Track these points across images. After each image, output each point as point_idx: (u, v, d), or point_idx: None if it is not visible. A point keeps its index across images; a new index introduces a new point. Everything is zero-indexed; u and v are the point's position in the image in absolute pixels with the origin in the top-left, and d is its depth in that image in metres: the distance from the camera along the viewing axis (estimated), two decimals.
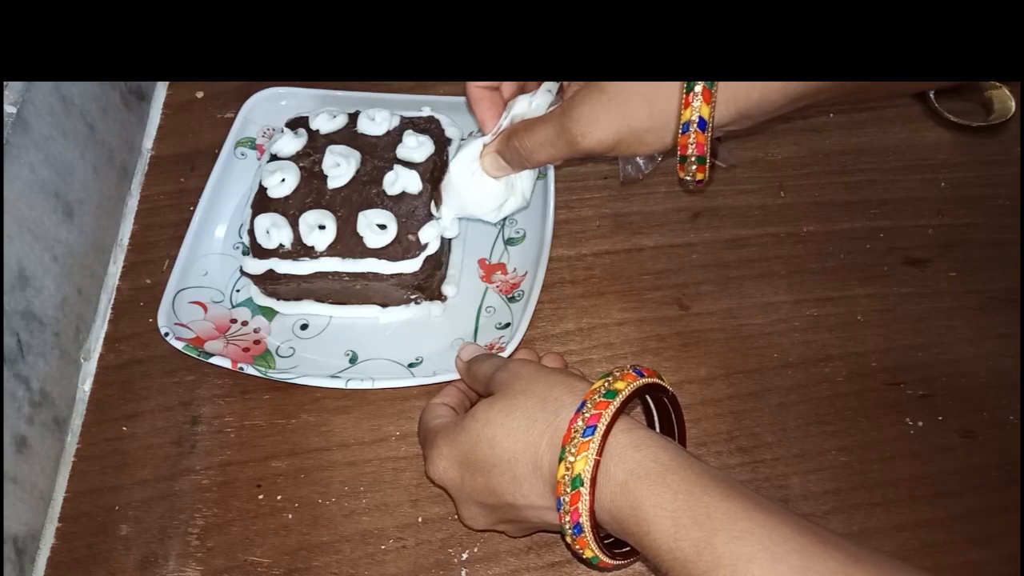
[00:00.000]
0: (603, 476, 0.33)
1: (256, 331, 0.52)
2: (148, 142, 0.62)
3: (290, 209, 0.50)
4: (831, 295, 0.53)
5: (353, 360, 0.50)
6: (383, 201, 0.50)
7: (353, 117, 0.54)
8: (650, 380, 0.36)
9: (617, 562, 0.36)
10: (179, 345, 0.48)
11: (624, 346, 0.51)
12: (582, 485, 0.33)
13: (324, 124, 0.53)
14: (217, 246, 0.55)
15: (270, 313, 0.53)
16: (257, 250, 0.49)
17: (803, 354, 0.51)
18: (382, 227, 0.49)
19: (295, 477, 0.47)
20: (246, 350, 0.50)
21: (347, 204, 0.50)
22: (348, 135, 0.53)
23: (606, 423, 0.34)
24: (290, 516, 0.46)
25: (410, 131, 0.52)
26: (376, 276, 0.49)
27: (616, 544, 0.36)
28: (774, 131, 0.60)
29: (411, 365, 0.49)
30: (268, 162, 0.52)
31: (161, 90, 0.64)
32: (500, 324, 0.50)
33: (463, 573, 0.44)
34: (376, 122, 0.53)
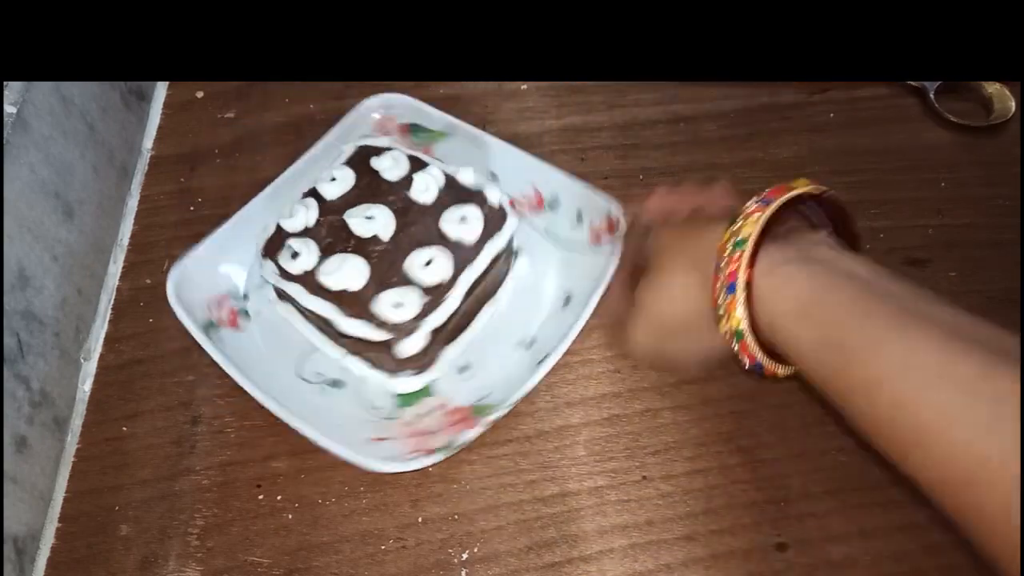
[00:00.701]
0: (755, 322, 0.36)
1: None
2: (148, 142, 0.62)
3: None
4: None
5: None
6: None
7: (416, 168, 0.51)
8: (776, 205, 0.37)
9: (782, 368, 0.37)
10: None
11: None
12: (744, 336, 0.36)
13: (384, 167, 0.51)
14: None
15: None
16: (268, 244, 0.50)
17: None
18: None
19: (295, 477, 0.47)
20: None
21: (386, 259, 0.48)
22: (397, 188, 0.51)
23: (742, 277, 0.35)
24: (290, 516, 0.46)
25: (459, 205, 0.49)
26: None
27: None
28: (774, 131, 0.60)
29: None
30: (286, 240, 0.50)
31: (161, 90, 0.64)
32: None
33: (463, 573, 0.44)
34: (423, 191, 0.50)
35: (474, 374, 0.50)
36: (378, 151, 0.52)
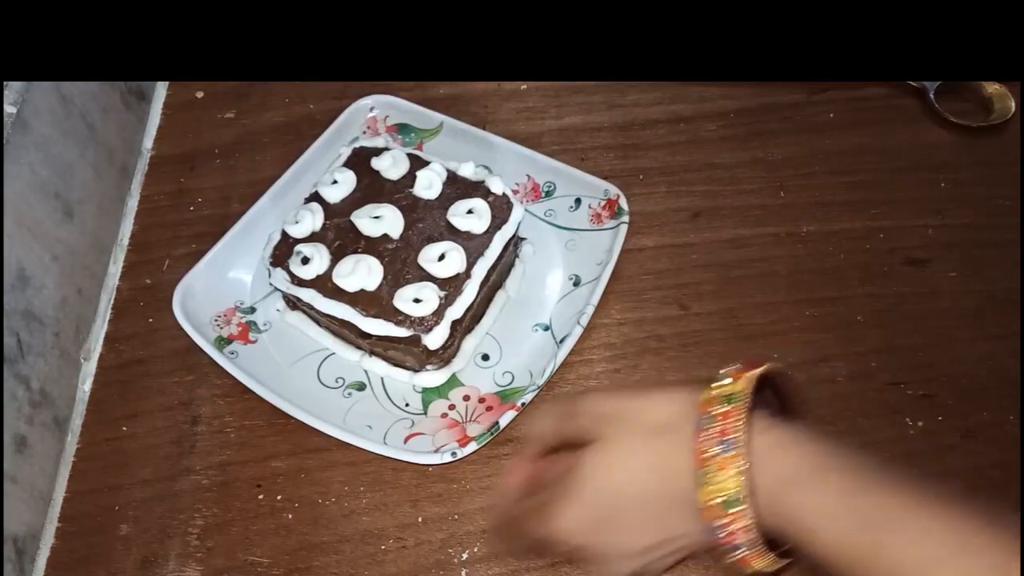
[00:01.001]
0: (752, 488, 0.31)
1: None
2: (148, 142, 0.62)
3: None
4: (831, 295, 0.53)
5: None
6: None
7: (416, 167, 0.52)
8: (766, 368, 0.33)
9: (787, 560, 0.32)
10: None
11: (625, 346, 0.51)
12: (739, 504, 0.30)
13: (384, 167, 0.52)
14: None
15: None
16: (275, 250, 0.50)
17: (803, 354, 0.51)
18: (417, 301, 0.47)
19: (295, 477, 0.47)
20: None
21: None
22: (401, 187, 0.51)
23: (744, 431, 0.31)
24: (290, 516, 0.46)
25: (466, 200, 0.50)
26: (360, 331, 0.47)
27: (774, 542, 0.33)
28: (774, 131, 0.60)
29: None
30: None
31: (161, 90, 0.64)
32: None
33: (463, 573, 0.44)
34: (426, 188, 0.51)
35: (496, 361, 0.51)
36: (376, 152, 0.53)
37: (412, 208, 0.50)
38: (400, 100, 0.59)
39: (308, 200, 0.51)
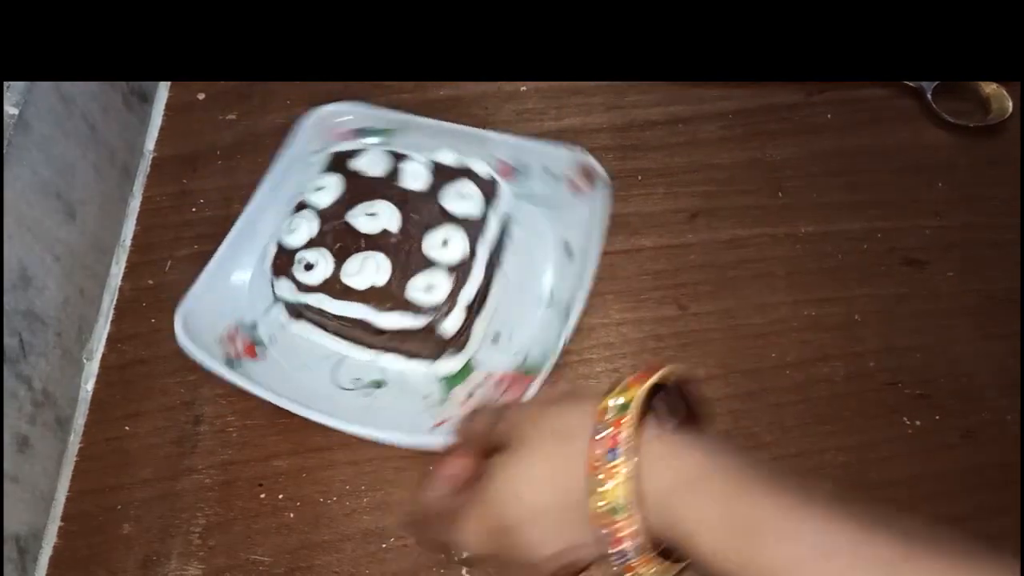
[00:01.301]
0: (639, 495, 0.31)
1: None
2: (150, 143, 0.62)
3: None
4: (829, 295, 0.53)
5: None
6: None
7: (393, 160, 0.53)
8: (659, 376, 0.34)
9: (681, 566, 0.32)
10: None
11: (623, 346, 0.51)
12: (625, 512, 0.30)
13: (365, 166, 0.52)
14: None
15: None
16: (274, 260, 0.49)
17: (801, 354, 0.51)
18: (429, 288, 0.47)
19: (297, 476, 0.47)
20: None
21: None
22: (388, 183, 0.52)
23: (633, 439, 0.31)
24: (292, 515, 0.46)
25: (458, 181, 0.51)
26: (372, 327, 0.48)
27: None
28: (772, 132, 0.60)
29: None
30: (294, 212, 0.51)
31: (163, 91, 0.64)
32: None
33: (464, 571, 0.45)
34: (416, 175, 0.51)
35: (508, 339, 0.51)
36: (351, 153, 0.53)
37: (404, 201, 0.50)
38: (354, 104, 0.58)
39: (298, 209, 0.51)
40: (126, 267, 0.56)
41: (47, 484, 0.48)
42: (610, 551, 0.31)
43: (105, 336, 0.53)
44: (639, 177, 0.58)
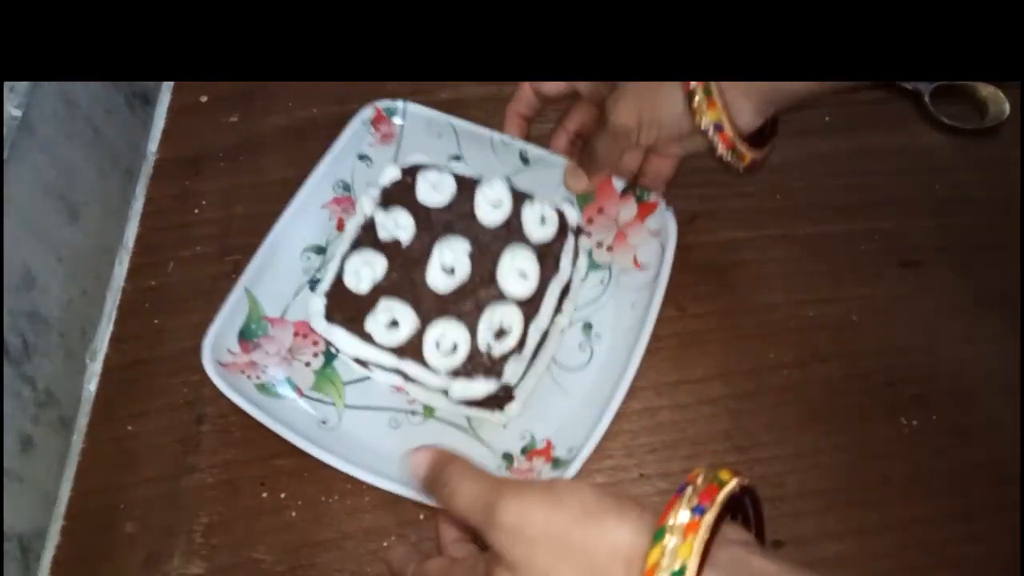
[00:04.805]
0: None
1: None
2: (152, 145, 0.62)
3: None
4: (827, 296, 0.53)
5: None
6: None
7: (463, 188, 0.50)
8: (715, 508, 0.27)
9: None
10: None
11: None
12: None
13: (429, 196, 0.50)
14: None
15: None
16: (333, 302, 0.47)
17: (799, 354, 0.51)
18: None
19: (298, 475, 0.48)
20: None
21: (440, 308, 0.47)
22: (460, 218, 0.49)
23: None
24: (294, 513, 0.47)
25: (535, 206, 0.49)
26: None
27: None
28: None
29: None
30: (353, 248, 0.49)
31: (165, 94, 0.65)
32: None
33: None
34: (495, 207, 0.49)
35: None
36: (412, 177, 0.51)
37: (475, 237, 0.48)
38: (420, 106, 0.58)
39: (360, 244, 0.48)
40: (129, 268, 0.56)
41: (50, 483, 0.48)
42: None
43: (108, 336, 0.53)
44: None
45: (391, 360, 0.46)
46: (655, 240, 0.52)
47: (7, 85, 0.45)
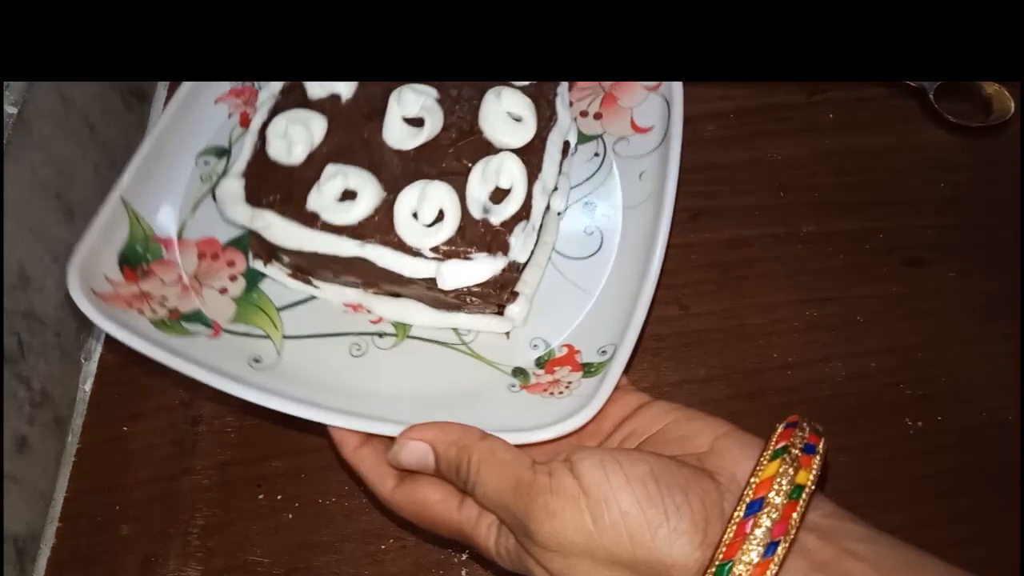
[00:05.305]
0: None
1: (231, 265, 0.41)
2: None
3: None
4: (831, 295, 0.53)
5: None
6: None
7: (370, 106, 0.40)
8: (789, 534, 0.27)
9: None
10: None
11: None
12: None
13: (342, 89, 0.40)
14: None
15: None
16: (257, 181, 0.36)
17: (803, 354, 0.51)
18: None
19: (295, 476, 0.47)
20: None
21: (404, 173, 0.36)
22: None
23: None
24: (290, 516, 0.46)
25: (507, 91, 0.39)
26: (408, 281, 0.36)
27: None
28: (774, 132, 0.60)
29: None
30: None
31: (161, 91, 0.64)
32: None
33: (463, 572, 0.44)
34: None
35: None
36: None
37: (441, 87, 0.39)
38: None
39: (282, 109, 0.38)
40: None
41: (46, 484, 0.47)
42: None
43: (103, 336, 0.53)
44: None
45: (349, 247, 0.35)
46: (656, 96, 0.44)
47: (3, 83, 0.45)
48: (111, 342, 0.53)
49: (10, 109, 0.46)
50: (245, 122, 0.44)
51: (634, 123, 0.45)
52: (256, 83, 0.45)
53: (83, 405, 0.51)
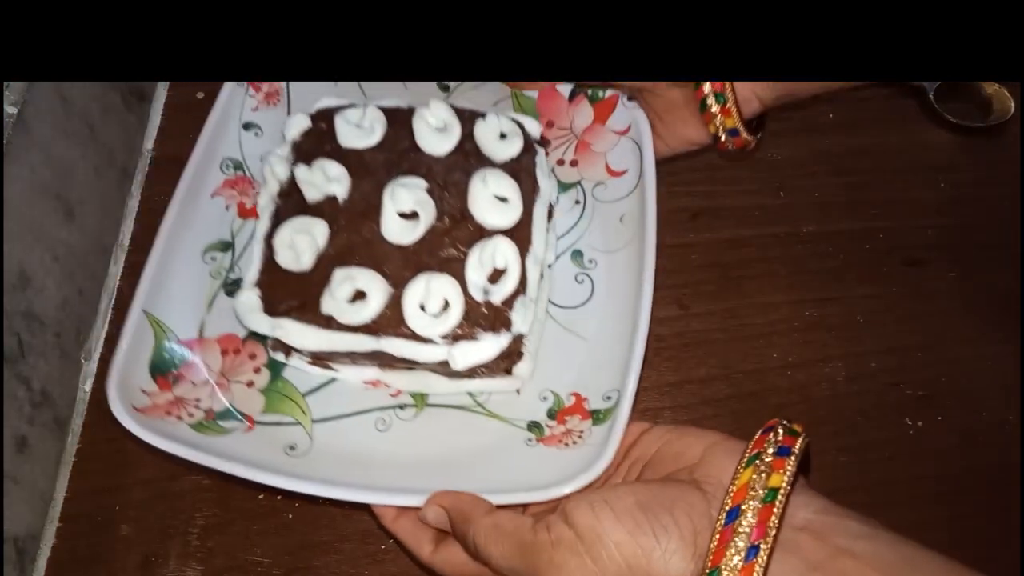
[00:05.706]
0: None
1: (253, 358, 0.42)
2: (149, 143, 0.62)
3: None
4: (831, 295, 0.53)
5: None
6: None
7: (395, 121, 0.42)
8: (770, 537, 0.29)
9: None
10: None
11: None
12: None
13: (356, 138, 0.42)
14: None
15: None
16: (271, 292, 0.38)
17: (803, 354, 0.51)
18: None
19: None
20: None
21: (411, 264, 0.39)
22: (401, 155, 0.41)
23: None
24: (290, 516, 0.46)
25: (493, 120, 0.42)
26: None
27: None
28: (774, 132, 0.60)
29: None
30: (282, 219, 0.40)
31: (162, 91, 0.64)
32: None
33: None
34: (441, 132, 0.41)
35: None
36: (330, 121, 0.43)
37: (431, 173, 0.40)
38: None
39: (283, 215, 0.40)
40: (124, 267, 0.56)
41: (46, 485, 0.47)
42: None
43: (104, 336, 0.53)
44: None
45: (366, 342, 0.38)
46: (626, 140, 0.45)
47: (3, 83, 0.45)
48: (111, 342, 0.53)
49: (10, 109, 0.46)
50: (243, 212, 0.46)
51: (609, 167, 0.47)
52: (251, 175, 0.46)
53: (83, 405, 0.51)
